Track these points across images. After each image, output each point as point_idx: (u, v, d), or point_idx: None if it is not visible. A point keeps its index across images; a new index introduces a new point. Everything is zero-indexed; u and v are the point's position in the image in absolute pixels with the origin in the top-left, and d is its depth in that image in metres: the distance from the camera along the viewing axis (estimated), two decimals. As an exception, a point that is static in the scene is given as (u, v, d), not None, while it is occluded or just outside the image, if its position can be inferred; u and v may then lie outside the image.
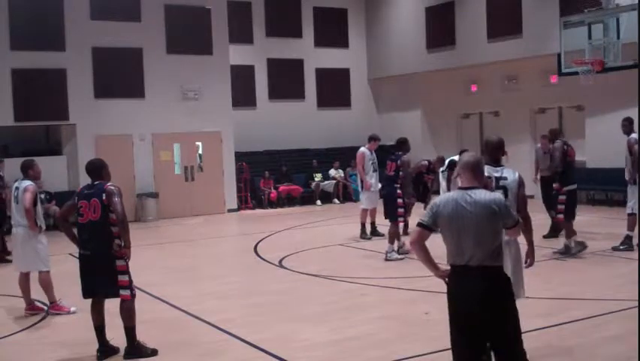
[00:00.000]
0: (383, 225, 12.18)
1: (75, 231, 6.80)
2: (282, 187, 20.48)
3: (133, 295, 6.63)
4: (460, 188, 4.56)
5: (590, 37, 14.83)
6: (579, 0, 15.68)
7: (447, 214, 4.45)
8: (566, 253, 10.62)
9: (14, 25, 16.82)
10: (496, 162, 5.80)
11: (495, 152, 5.85)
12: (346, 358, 6.41)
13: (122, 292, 6.56)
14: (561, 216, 10.86)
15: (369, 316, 7.75)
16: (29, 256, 8.32)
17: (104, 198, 6.48)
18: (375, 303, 8.50)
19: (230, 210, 19.36)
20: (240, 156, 19.99)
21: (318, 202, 20.68)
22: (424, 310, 7.79)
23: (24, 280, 8.45)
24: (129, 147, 18.23)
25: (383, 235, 12.42)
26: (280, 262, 11.38)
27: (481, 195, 4.43)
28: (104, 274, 6.52)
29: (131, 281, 6.62)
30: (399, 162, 11.28)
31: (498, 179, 5.63)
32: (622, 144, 11.03)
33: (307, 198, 20.78)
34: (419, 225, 4.60)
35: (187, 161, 19.10)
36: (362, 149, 13.32)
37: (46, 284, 8.34)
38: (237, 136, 19.74)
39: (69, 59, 17.45)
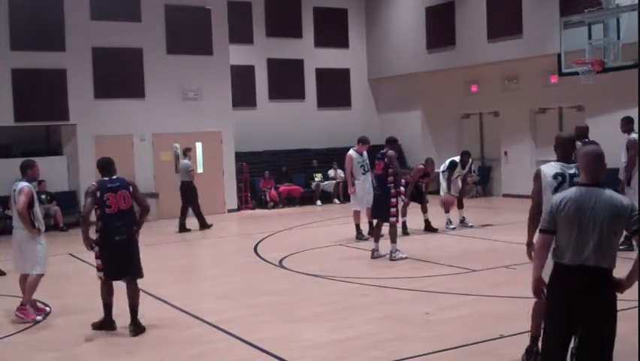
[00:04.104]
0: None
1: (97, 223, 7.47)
2: (282, 187, 20.48)
3: None
4: (582, 185, 4.45)
5: (590, 37, 14.85)
6: (579, 0, 15.69)
7: (566, 213, 4.36)
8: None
9: (14, 25, 16.82)
10: (569, 159, 5.64)
11: (567, 148, 5.71)
12: (346, 358, 6.41)
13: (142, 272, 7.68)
14: None
15: (369, 316, 7.74)
16: (26, 258, 8.15)
17: (131, 190, 7.51)
18: (375, 303, 8.50)
19: (230, 211, 19.36)
20: (240, 156, 19.99)
21: (319, 202, 20.68)
22: (424, 310, 7.79)
23: (24, 281, 8.32)
24: (129, 147, 18.23)
25: (368, 238, 12.56)
26: (280, 262, 11.38)
27: (607, 195, 4.34)
28: (135, 256, 7.57)
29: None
30: (386, 159, 11.13)
31: (572, 176, 5.46)
32: (622, 145, 11.00)
33: (307, 199, 20.78)
34: (540, 231, 4.55)
35: (187, 161, 19.06)
36: (350, 152, 13.32)
37: (31, 286, 8.14)
38: (237, 136, 19.75)
39: (69, 59, 17.45)
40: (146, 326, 7.54)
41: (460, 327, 7.14)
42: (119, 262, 7.44)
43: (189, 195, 16.02)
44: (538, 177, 5.73)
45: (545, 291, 4.57)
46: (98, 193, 7.37)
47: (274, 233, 14.98)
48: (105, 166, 7.60)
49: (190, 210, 16.22)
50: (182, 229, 15.87)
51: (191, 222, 16.24)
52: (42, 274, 8.22)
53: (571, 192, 4.47)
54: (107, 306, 7.54)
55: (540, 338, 5.15)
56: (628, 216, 4.31)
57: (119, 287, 7.61)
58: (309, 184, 21.10)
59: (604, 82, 15.22)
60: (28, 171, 8.24)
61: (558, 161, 5.72)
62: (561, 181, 5.49)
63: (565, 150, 5.71)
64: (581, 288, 4.33)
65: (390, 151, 11.21)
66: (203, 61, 18.95)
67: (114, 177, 7.54)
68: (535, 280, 4.61)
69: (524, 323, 5.99)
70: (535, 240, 5.11)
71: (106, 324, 7.53)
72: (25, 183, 8.13)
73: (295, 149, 22.22)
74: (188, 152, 16.31)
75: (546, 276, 4.61)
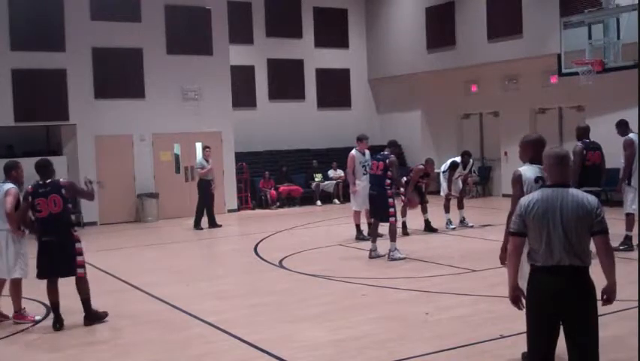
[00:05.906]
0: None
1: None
2: (282, 187, 20.48)
3: (85, 273, 7.75)
4: (549, 186, 4.43)
5: (590, 37, 14.81)
6: (579, 0, 15.67)
7: (535, 215, 4.34)
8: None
9: (14, 25, 16.81)
10: (541, 161, 5.27)
11: (538, 150, 5.47)
12: (346, 358, 6.41)
13: (79, 270, 7.67)
14: None
15: (369, 316, 7.74)
16: (10, 262, 7.93)
17: (64, 193, 7.60)
18: (375, 303, 8.49)
19: (230, 211, 19.36)
20: (240, 156, 19.99)
21: (319, 202, 20.67)
22: (424, 310, 7.79)
23: (12, 286, 8.07)
24: (129, 147, 18.22)
25: (369, 239, 12.42)
26: (280, 262, 11.38)
27: (572, 194, 4.33)
28: (65, 257, 7.61)
29: (84, 261, 7.74)
30: (387, 161, 11.17)
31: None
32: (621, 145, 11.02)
33: (307, 199, 20.78)
34: (511, 234, 4.52)
35: (187, 161, 19.09)
36: (352, 152, 13.32)
37: (16, 291, 8.01)
38: (237, 136, 19.74)
39: (69, 59, 17.44)
40: (146, 326, 7.54)
41: (460, 327, 7.14)
42: (48, 262, 7.57)
43: (200, 192, 16.38)
44: (519, 180, 5.59)
45: (523, 298, 4.54)
46: (30, 198, 7.60)
47: (274, 233, 14.98)
48: (41, 169, 7.73)
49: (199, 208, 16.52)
50: (212, 224, 16.33)
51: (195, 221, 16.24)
52: (23, 278, 8.06)
53: (538, 193, 4.46)
54: (53, 304, 7.68)
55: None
56: (594, 214, 4.31)
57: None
58: (309, 184, 21.10)
59: (604, 82, 15.21)
60: (12, 173, 8.05)
61: (532, 163, 5.64)
62: (542, 185, 5.27)
63: (536, 153, 5.53)
64: (559, 288, 4.33)
65: (392, 156, 11.30)
66: (203, 61, 18.94)
67: (48, 180, 7.64)
68: (511, 288, 4.56)
69: (524, 323, 5.98)
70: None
71: (60, 322, 7.65)
72: (11, 184, 7.95)
73: (295, 149, 22.22)
74: (203, 150, 16.87)
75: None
